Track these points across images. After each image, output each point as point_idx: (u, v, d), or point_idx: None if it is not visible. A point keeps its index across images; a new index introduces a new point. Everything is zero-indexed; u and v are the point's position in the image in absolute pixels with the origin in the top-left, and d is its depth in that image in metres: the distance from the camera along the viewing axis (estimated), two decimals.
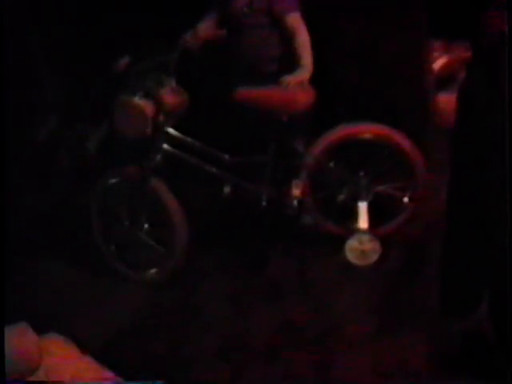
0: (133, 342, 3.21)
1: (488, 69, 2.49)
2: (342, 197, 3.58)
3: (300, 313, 3.28)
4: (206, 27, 3.57)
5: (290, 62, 3.40)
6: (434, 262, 3.17)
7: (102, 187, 3.62)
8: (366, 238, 3.48)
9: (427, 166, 3.51)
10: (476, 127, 2.56)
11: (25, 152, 4.20)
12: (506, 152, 2.40)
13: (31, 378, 2.31)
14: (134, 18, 3.90)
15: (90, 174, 4.09)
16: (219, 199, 3.62)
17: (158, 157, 3.48)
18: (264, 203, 3.56)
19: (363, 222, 3.51)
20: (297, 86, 3.37)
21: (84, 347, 2.47)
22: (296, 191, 3.51)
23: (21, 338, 2.32)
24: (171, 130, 3.50)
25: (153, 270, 3.62)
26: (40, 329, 2.38)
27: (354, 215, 3.54)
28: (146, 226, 3.56)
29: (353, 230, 3.52)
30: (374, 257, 3.47)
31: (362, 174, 3.56)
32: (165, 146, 3.49)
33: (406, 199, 3.57)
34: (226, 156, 3.56)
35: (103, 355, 2.52)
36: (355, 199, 3.55)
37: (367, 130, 3.50)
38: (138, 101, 3.36)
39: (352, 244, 3.49)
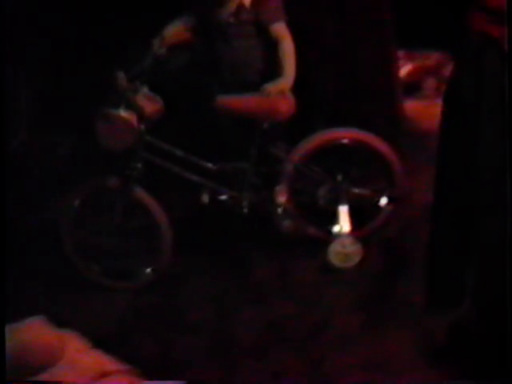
0: (119, 346, 3.14)
1: (473, 68, 2.57)
2: (322, 201, 3.69)
3: (286, 313, 3.37)
4: (174, 32, 3.63)
5: (275, 72, 3.50)
6: (415, 259, 3.37)
7: (77, 199, 3.63)
8: (348, 241, 3.60)
9: (404, 168, 3.66)
10: (462, 125, 2.65)
11: None
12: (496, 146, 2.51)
13: (55, 369, 2.39)
14: (112, 27, 3.98)
15: (61, 186, 4.13)
16: (198, 205, 3.69)
17: (140, 165, 3.53)
18: (245, 210, 3.65)
19: (345, 226, 3.63)
20: (278, 95, 3.47)
21: None
22: (280, 198, 3.61)
23: (41, 331, 2.44)
24: (152, 139, 3.55)
25: (136, 278, 3.67)
26: None
27: (334, 219, 3.66)
28: (129, 234, 3.61)
29: (334, 234, 3.63)
30: (357, 259, 3.59)
31: (340, 177, 3.68)
32: (146, 154, 3.55)
33: (384, 201, 3.70)
34: (207, 163, 3.63)
35: None
36: (335, 203, 3.66)
37: (345, 135, 3.63)
38: (124, 113, 3.41)
39: (335, 248, 3.60)
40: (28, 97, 4.41)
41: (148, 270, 3.67)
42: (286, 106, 3.53)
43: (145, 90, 3.49)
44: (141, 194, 3.55)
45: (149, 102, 3.49)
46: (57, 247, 3.81)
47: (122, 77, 3.40)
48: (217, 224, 3.87)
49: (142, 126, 3.48)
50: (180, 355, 3.16)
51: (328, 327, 3.27)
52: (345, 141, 3.63)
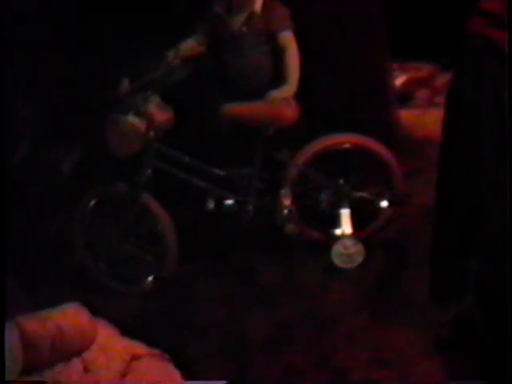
0: None
1: (473, 72, 2.66)
2: (324, 204, 3.84)
3: (293, 313, 3.52)
4: (188, 47, 3.79)
5: (281, 79, 3.65)
6: (417, 258, 3.53)
7: (87, 206, 3.78)
8: (350, 242, 3.76)
9: (403, 172, 3.85)
10: (464, 128, 2.73)
11: None
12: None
13: (88, 353, 2.53)
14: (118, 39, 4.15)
15: (65, 198, 4.27)
16: (205, 211, 3.83)
17: (149, 172, 3.68)
18: (250, 214, 3.81)
19: (346, 228, 3.79)
20: (282, 102, 3.63)
21: None
22: (286, 201, 3.76)
23: (77, 314, 2.56)
24: (160, 145, 3.71)
25: (144, 283, 3.81)
26: None
27: (336, 222, 3.82)
28: (137, 239, 3.75)
29: (336, 236, 3.80)
30: (360, 259, 3.75)
31: (342, 181, 3.85)
32: (154, 161, 3.69)
33: (384, 203, 3.85)
34: (216, 169, 3.79)
35: None
36: (337, 206, 3.82)
37: (346, 140, 3.80)
38: (132, 119, 3.56)
39: (337, 250, 3.76)
40: (32, 109, 4.54)
41: (153, 275, 3.80)
42: (290, 112, 3.70)
43: (157, 99, 3.64)
44: (148, 200, 3.68)
45: (159, 111, 3.64)
46: (63, 256, 3.99)
47: (126, 84, 3.55)
48: (222, 230, 4.03)
49: (152, 133, 3.63)
50: (189, 356, 3.24)
51: (335, 324, 3.41)
52: (346, 145, 3.80)
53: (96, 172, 4.30)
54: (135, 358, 2.65)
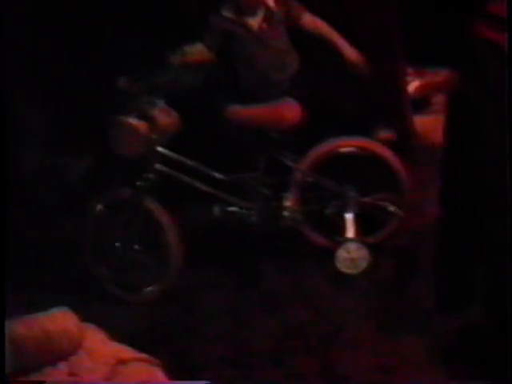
0: None
1: (478, 75, 2.67)
2: (329, 209, 3.83)
3: (300, 321, 3.51)
4: (196, 51, 3.80)
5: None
6: (426, 266, 3.44)
7: (94, 210, 3.81)
8: (353, 246, 3.73)
9: (410, 176, 3.81)
10: (468, 132, 2.74)
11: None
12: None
13: (74, 357, 2.55)
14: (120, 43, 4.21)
15: (73, 206, 4.31)
16: (210, 218, 3.86)
17: (152, 176, 3.71)
18: (255, 218, 3.82)
19: (350, 232, 3.76)
20: (284, 103, 3.69)
21: None
22: (287, 203, 3.77)
23: (65, 319, 2.58)
24: (164, 150, 3.73)
25: (148, 290, 3.82)
26: None
27: (341, 227, 3.79)
28: (141, 246, 3.76)
29: (340, 241, 3.77)
30: (364, 264, 3.72)
31: (348, 186, 3.82)
32: (158, 165, 3.72)
33: (392, 209, 3.83)
34: (218, 174, 3.80)
35: None
36: (343, 211, 3.80)
37: (352, 144, 3.80)
38: (132, 121, 3.60)
39: (341, 254, 3.73)
40: (40, 118, 4.62)
41: (156, 284, 3.79)
42: (292, 114, 3.71)
43: (161, 103, 3.67)
44: (152, 205, 3.69)
45: (164, 115, 3.67)
46: (70, 262, 4.02)
47: (126, 83, 3.60)
48: (227, 237, 4.03)
49: (155, 137, 3.66)
50: (194, 364, 3.29)
51: (341, 333, 3.40)
52: (352, 149, 3.79)
53: (106, 178, 4.34)
54: (122, 362, 2.64)
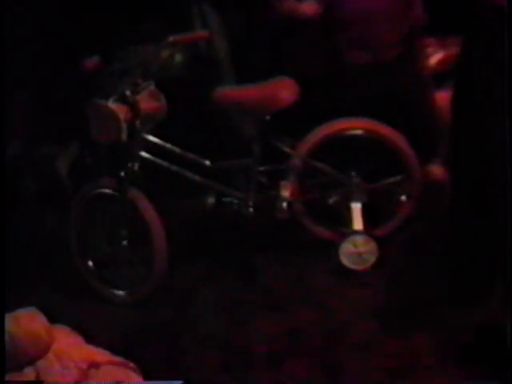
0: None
1: (484, 43, 2.58)
2: (333, 199, 3.60)
3: (301, 319, 3.31)
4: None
5: None
6: (436, 257, 3.30)
7: (80, 201, 3.62)
8: (360, 239, 3.47)
9: (420, 161, 3.54)
10: (474, 103, 2.66)
11: None
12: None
13: (42, 361, 2.44)
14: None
15: (60, 196, 4.18)
16: (204, 209, 3.68)
17: (136, 165, 3.49)
18: (251, 209, 3.58)
19: (357, 224, 3.51)
20: (277, 82, 3.45)
21: None
22: (285, 192, 3.52)
23: (31, 321, 2.45)
24: (149, 137, 3.51)
25: (133, 288, 3.60)
26: None
27: (347, 218, 3.55)
28: (125, 240, 3.55)
29: (346, 233, 3.52)
30: (372, 260, 3.46)
31: (353, 173, 3.58)
32: (142, 153, 3.51)
33: (403, 197, 3.57)
34: (208, 162, 3.58)
35: None
36: (347, 200, 3.55)
37: (355, 126, 3.53)
38: (111, 104, 3.35)
39: (346, 248, 3.48)
40: (24, 106, 4.45)
41: (143, 282, 3.56)
42: (286, 93, 3.48)
43: (149, 86, 3.44)
44: (136, 197, 3.47)
45: (149, 99, 3.44)
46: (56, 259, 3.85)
47: (95, 62, 3.40)
48: (222, 230, 3.85)
49: (138, 123, 3.41)
50: (190, 365, 3.12)
51: (347, 331, 3.20)
52: (355, 132, 3.53)
53: (93, 169, 4.16)
54: (94, 365, 2.52)
